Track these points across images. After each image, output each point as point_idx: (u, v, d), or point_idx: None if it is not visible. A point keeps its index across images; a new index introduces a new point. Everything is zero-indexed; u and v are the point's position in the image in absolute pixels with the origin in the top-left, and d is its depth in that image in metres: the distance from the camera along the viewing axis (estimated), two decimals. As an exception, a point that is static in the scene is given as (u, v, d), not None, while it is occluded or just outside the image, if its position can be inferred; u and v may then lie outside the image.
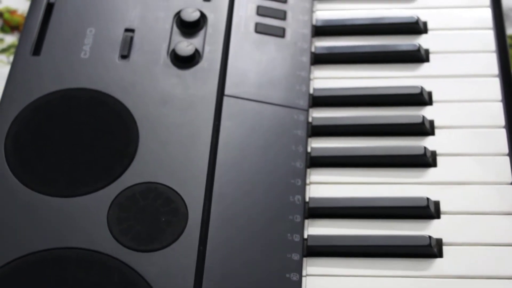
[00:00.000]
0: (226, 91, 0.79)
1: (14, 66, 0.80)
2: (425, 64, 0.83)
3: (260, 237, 0.71)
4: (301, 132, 0.78)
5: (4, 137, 0.75)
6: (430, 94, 0.81)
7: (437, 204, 0.74)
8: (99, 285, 0.68)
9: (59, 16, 0.83)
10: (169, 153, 0.75)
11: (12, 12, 1.05)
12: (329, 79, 0.83)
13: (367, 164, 0.77)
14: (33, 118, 0.76)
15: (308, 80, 0.82)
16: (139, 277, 0.68)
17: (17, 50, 0.82)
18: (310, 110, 0.81)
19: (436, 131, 0.79)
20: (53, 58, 0.80)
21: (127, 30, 0.82)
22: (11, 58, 1.01)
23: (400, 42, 0.84)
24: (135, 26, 0.83)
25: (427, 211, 0.73)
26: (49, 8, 0.85)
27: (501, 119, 0.79)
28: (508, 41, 0.89)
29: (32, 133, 0.76)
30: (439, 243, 0.72)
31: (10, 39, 1.04)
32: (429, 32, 0.85)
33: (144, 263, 0.69)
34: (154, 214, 0.72)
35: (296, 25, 0.85)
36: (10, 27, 1.05)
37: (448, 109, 0.80)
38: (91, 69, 0.79)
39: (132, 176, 0.73)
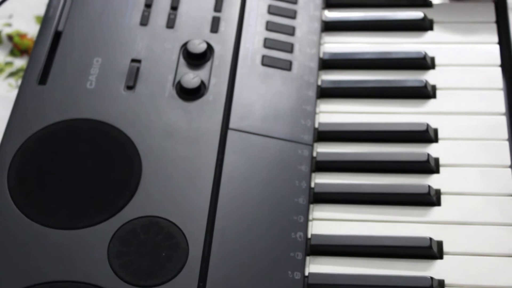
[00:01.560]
0: (231, 125, 0.79)
1: (20, 95, 0.80)
2: (432, 101, 0.83)
3: (261, 274, 0.71)
4: (305, 167, 0.78)
5: (7, 167, 0.76)
6: (436, 131, 0.81)
7: (440, 244, 0.73)
8: (97, 320, 0.68)
9: (66, 45, 0.84)
10: (172, 187, 0.75)
11: (22, 36, 1.06)
12: (335, 113, 0.83)
13: (371, 202, 0.76)
14: (37, 149, 0.76)
15: (313, 114, 0.81)
16: (138, 312, 0.68)
17: (24, 79, 0.82)
18: (315, 144, 0.80)
19: (441, 169, 0.78)
20: (59, 88, 0.80)
21: (133, 60, 0.83)
22: (20, 81, 1.02)
23: (407, 77, 0.84)
24: (142, 57, 0.83)
25: (430, 251, 0.73)
26: (57, 36, 0.85)
27: (507, 160, 0.78)
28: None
29: (35, 163, 0.76)
30: (441, 284, 0.71)
31: (19, 62, 1.04)
32: (437, 68, 0.85)
33: (143, 298, 0.69)
34: (154, 249, 0.71)
35: (303, 58, 0.85)
36: (20, 51, 1.05)
37: (454, 147, 0.79)
38: (96, 100, 0.79)
39: (133, 210, 0.73)
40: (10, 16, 1.07)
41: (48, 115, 0.78)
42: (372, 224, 0.75)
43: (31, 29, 1.06)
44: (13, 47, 1.05)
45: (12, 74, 1.03)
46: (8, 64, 1.04)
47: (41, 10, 1.05)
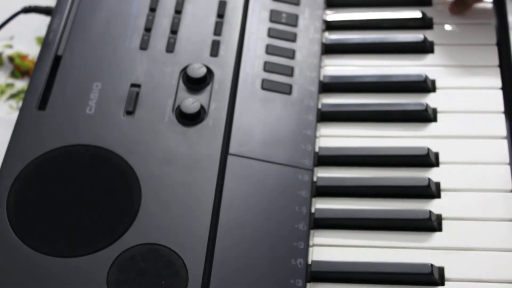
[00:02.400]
0: (231, 150, 0.79)
1: (19, 121, 0.80)
2: (433, 124, 0.82)
3: (260, 302, 0.71)
4: (305, 192, 0.77)
5: (6, 194, 0.75)
6: (437, 155, 0.80)
7: (441, 270, 0.73)
8: None
9: (66, 70, 0.84)
10: (171, 214, 0.74)
11: (23, 57, 1.06)
12: (336, 137, 0.82)
13: (372, 227, 0.76)
14: (36, 175, 0.76)
15: (313, 138, 0.81)
16: None
17: (23, 105, 0.82)
18: (315, 169, 0.80)
19: (443, 193, 0.78)
20: (59, 113, 0.80)
21: (133, 85, 0.82)
22: (21, 103, 1.01)
23: (408, 100, 0.84)
24: (142, 81, 0.83)
25: (431, 278, 0.72)
26: (57, 60, 0.85)
27: (508, 184, 0.78)
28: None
29: (34, 190, 0.75)
30: (443, 311, 0.71)
31: (20, 84, 1.04)
32: (438, 91, 0.85)
33: (142, 327, 0.69)
34: (154, 277, 0.71)
35: (303, 82, 0.85)
36: (21, 73, 1.05)
37: (455, 171, 0.79)
38: (95, 125, 0.79)
39: (133, 237, 0.73)
40: (11, 38, 1.07)
41: (47, 141, 0.78)
42: (373, 250, 0.75)
43: (32, 51, 1.06)
44: (14, 69, 1.05)
45: (13, 96, 1.03)
46: (9, 85, 1.04)
47: (42, 32, 1.05)
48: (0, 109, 1.02)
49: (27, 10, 0.96)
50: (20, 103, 1.04)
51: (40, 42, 1.08)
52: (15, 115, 1.01)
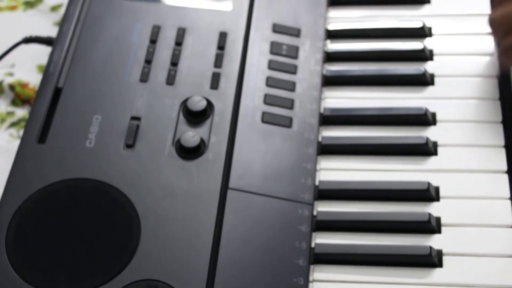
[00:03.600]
0: (231, 184, 0.79)
1: (19, 154, 0.80)
2: (433, 158, 0.82)
3: None
4: (305, 227, 0.77)
5: (6, 228, 0.75)
6: (437, 189, 0.80)
7: (441, 306, 0.73)
8: None
9: (66, 102, 0.84)
10: (171, 249, 0.74)
11: (23, 85, 1.06)
12: (336, 170, 0.82)
13: (372, 263, 0.76)
14: (35, 210, 0.76)
15: (314, 172, 0.81)
16: None
17: (23, 137, 0.82)
18: (316, 203, 0.80)
19: (443, 228, 0.77)
20: (58, 146, 0.80)
21: (133, 118, 0.82)
22: (21, 132, 1.01)
23: (408, 134, 0.84)
24: (142, 114, 0.82)
25: (431, 314, 0.72)
26: (57, 93, 0.85)
27: (509, 219, 0.77)
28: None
29: (33, 225, 0.75)
30: None
31: (21, 112, 1.04)
32: (438, 124, 0.85)
33: None
34: (152, 314, 0.71)
35: (303, 115, 0.84)
36: (21, 101, 1.05)
37: (456, 205, 0.79)
38: (95, 159, 0.79)
39: (132, 273, 0.73)
40: (12, 66, 1.07)
41: (47, 175, 0.78)
42: (373, 286, 0.74)
43: (33, 79, 1.06)
44: (14, 97, 1.05)
45: (13, 124, 1.03)
46: (10, 114, 1.04)
47: (43, 60, 1.05)
48: (1, 138, 1.02)
49: (28, 40, 0.97)
50: (21, 132, 1.04)
51: (41, 70, 1.08)
52: (15, 143, 1.01)
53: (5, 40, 1.03)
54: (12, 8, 1.14)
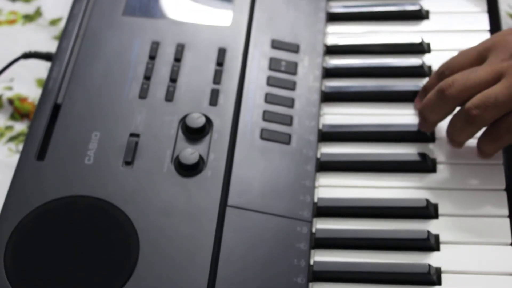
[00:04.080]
0: (229, 201, 0.79)
1: (17, 171, 0.80)
2: (432, 175, 0.82)
3: None
4: (304, 245, 0.77)
5: (4, 246, 0.75)
6: (436, 206, 0.80)
7: None
8: None
9: (65, 119, 0.84)
10: (169, 267, 0.74)
11: (22, 100, 1.06)
12: (334, 187, 0.82)
13: (371, 281, 0.76)
14: (34, 227, 0.76)
15: (312, 189, 0.81)
16: None
17: (22, 154, 0.82)
18: (314, 220, 0.80)
19: (442, 246, 0.77)
20: (57, 163, 0.80)
21: (132, 135, 0.82)
22: (20, 146, 1.01)
23: (407, 151, 0.84)
24: (140, 131, 0.82)
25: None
26: (56, 109, 0.85)
27: (508, 237, 0.77)
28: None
29: (32, 242, 0.75)
30: None
31: (20, 126, 1.04)
32: (437, 141, 0.84)
33: None
34: (151, 333, 0.71)
35: (302, 131, 0.85)
36: (20, 115, 1.05)
37: (455, 223, 0.79)
38: (94, 176, 0.79)
39: (131, 291, 0.73)
40: (11, 80, 1.07)
41: (45, 192, 0.78)
42: (371, 304, 0.75)
43: (32, 93, 1.06)
44: (13, 111, 1.05)
45: (12, 139, 1.03)
46: (8, 128, 1.04)
47: (42, 74, 1.05)
48: (0, 152, 1.02)
49: (27, 55, 0.97)
50: (20, 146, 1.04)
51: (40, 85, 1.08)
52: (14, 158, 1.01)
53: (4, 54, 1.03)
54: (11, 22, 1.14)
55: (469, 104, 0.79)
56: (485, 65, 0.80)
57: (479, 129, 0.80)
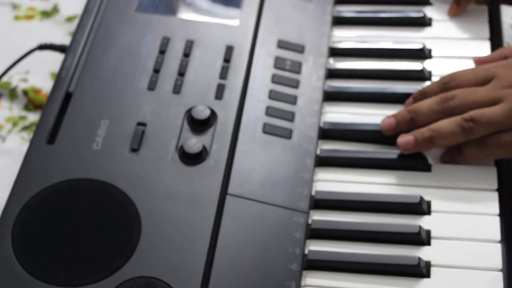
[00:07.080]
0: (230, 190, 0.82)
1: (28, 153, 0.84)
2: (427, 174, 0.85)
3: (250, 338, 0.73)
4: (300, 234, 0.80)
5: (12, 223, 0.78)
6: (429, 203, 0.82)
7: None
8: None
9: (76, 106, 0.87)
10: (169, 249, 0.77)
11: (37, 91, 1.09)
12: (332, 182, 0.85)
13: (362, 271, 0.78)
14: (41, 206, 0.79)
15: (310, 182, 0.84)
16: None
17: (33, 138, 0.85)
18: (311, 211, 0.83)
19: (433, 241, 0.80)
20: (66, 147, 0.84)
21: (139, 123, 0.86)
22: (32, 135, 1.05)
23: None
24: (148, 121, 0.86)
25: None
26: (68, 97, 0.88)
27: (497, 234, 0.80)
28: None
29: (38, 221, 0.78)
30: None
31: (33, 117, 1.08)
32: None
33: None
34: (149, 310, 0.74)
35: (303, 127, 0.88)
36: (34, 106, 1.09)
37: (446, 220, 0.81)
38: (101, 161, 0.82)
39: (131, 270, 0.76)
40: (27, 72, 1.11)
41: (53, 174, 0.81)
42: (363, 293, 0.77)
43: (46, 85, 1.10)
44: (27, 102, 1.09)
45: (25, 128, 1.07)
46: (22, 118, 1.08)
47: (57, 67, 1.08)
48: (13, 141, 1.05)
49: (42, 47, 1.00)
50: (32, 135, 1.07)
51: (54, 78, 1.11)
52: (26, 146, 1.04)
53: (21, 48, 1.07)
54: (29, 17, 1.18)
55: (466, 115, 0.82)
56: (486, 88, 0.84)
57: (466, 139, 0.83)
